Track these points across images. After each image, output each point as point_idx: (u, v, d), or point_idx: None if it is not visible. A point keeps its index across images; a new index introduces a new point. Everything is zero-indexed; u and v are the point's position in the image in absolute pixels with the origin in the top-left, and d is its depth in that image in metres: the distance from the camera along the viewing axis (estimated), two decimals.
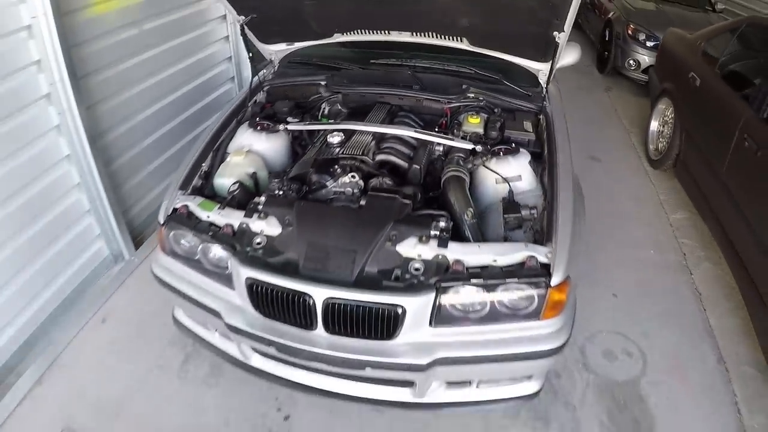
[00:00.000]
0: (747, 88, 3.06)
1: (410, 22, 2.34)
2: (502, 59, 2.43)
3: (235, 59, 3.86)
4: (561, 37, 2.13)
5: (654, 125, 4.16)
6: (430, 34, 2.39)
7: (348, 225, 1.76)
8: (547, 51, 2.26)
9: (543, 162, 2.17)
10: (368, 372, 1.72)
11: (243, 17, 2.41)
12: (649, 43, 5.32)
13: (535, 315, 1.70)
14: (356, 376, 1.82)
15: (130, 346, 2.42)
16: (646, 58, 5.30)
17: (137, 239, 3.01)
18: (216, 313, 1.83)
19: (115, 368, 2.31)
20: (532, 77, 2.50)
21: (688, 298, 2.85)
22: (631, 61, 5.42)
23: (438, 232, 1.72)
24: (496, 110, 2.42)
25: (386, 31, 2.44)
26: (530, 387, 1.92)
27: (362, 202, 1.85)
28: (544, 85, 2.53)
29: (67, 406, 2.14)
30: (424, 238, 1.70)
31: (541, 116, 2.42)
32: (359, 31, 2.47)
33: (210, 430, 2.08)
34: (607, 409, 2.23)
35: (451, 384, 1.87)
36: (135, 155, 3.01)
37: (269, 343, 1.75)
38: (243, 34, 2.47)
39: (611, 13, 6.02)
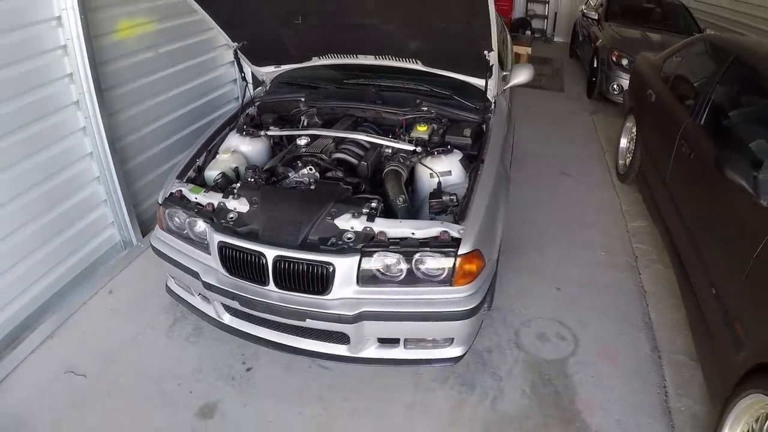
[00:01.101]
0: (689, 99, 3.34)
1: (370, 46, 2.81)
2: (451, 77, 2.86)
3: (239, 81, 4.35)
4: (491, 56, 2.54)
5: (623, 142, 4.49)
6: (389, 56, 2.85)
7: (298, 203, 2.21)
8: (483, 68, 2.66)
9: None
10: (309, 323, 2.13)
11: (236, 43, 2.92)
12: None
13: (448, 281, 2.07)
14: (302, 330, 2.22)
15: (130, 312, 2.88)
16: (627, 83, 5.61)
17: (145, 229, 3.45)
18: (195, 274, 2.29)
19: (115, 329, 2.76)
20: (481, 93, 2.88)
21: (632, 294, 3.09)
22: (615, 86, 5.76)
23: (368, 210, 2.14)
24: (443, 120, 2.83)
25: (354, 55, 2.91)
26: (453, 351, 2.26)
27: (312, 187, 2.29)
28: (491, 99, 2.93)
29: (72, 355, 2.59)
30: (356, 214, 2.12)
31: (483, 125, 2.81)
32: (332, 55, 2.96)
33: (184, 375, 2.50)
34: (531, 381, 2.48)
35: (382, 342, 2.24)
36: (147, 158, 3.52)
37: (234, 296, 2.19)
38: (236, 58, 2.98)
39: (599, 41, 6.41)
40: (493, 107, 2.92)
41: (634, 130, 4.25)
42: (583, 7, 7.96)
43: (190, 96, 3.87)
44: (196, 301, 2.52)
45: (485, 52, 2.52)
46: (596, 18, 6.98)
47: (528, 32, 9.89)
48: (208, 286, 2.25)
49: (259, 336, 2.35)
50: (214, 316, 2.44)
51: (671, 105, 3.53)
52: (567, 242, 3.54)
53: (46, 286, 2.87)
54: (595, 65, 6.41)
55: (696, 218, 2.79)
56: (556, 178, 4.44)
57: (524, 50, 7.17)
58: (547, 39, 10.39)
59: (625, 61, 5.72)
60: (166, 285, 2.69)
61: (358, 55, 2.92)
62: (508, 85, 3.23)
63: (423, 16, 2.46)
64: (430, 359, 2.27)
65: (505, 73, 3.31)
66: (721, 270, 2.34)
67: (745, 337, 1.91)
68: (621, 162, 4.50)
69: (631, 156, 4.22)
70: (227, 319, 2.42)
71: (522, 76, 3.21)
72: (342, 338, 2.21)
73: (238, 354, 2.60)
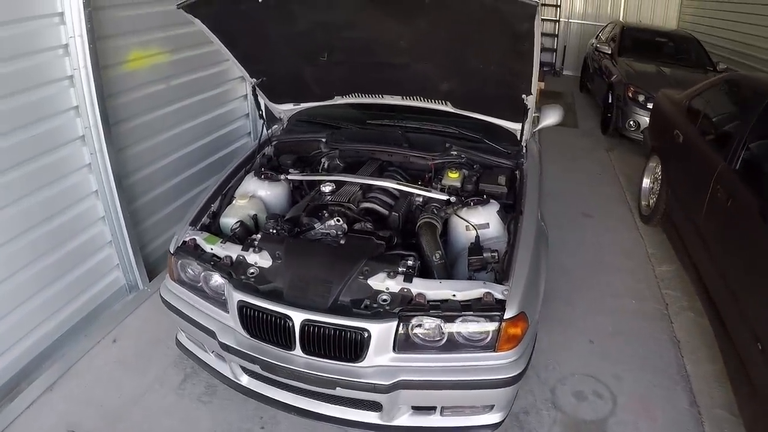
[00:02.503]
0: (722, 141, 3.22)
1: (398, 86, 2.67)
2: (482, 120, 2.72)
3: (252, 116, 4.22)
4: (529, 100, 2.41)
5: (646, 182, 4.36)
6: (417, 97, 2.70)
7: (327, 260, 2.02)
8: (519, 112, 2.52)
9: (514, 212, 2.39)
10: (339, 391, 1.93)
11: (255, 79, 2.77)
12: (649, 105, 5.50)
13: (491, 346, 1.89)
14: (329, 396, 2.02)
15: (136, 364, 2.67)
16: (645, 119, 5.49)
17: (152, 272, 3.28)
18: (212, 333, 2.09)
19: (120, 382, 2.55)
20: (511, 136, 2.75)
21: (665, 344, 2.95)
22: (631, 122, 5.67)
23: (405, 269, 1.96)
24: (475, 166, 2.68)
25: (379, 95, 2.77)
26: (492, 418, 2.07)
27: (342, 242, 2.11)
28: (523, 144, 2.79)
29: (74, 411, 2.39)
30: (392, 274, 1.94)
31: (517, 171, 2.66)
32: (355, 94, 2.81)
33: None
34: None
35: (417, 410, 2.04)
36: (156, 196, 3.34)
37: (255, 360, 1.98)
38: (254, 94, 2.82)
39: (614, 77, 6.33)
40: (525, 152, 2.77)
41: (659, 170, 4.13)
42: (594, 40, 7.94)
43: (202, 130, 3.71)
44: (210, 359, 2.30)
45: (524, 95, 2.39)
46: (609, 52, 6.93)
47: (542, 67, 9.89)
48: (226, 347, 2.04)
49: (281, 401, 2.14)
50: (230, 376, 2.23)
51: (702, 147, 3.41)
52: (595, 289, 3.38)
53: (47, 332, 2.69)
54: (609, 101, 6.33)
55: (736, 268, 2.65)
56: (578, 219, 4.30)
57: (538, 85, 7.10)
58: (556, 72, 10.36)
59: (641, 97, 5.64)
60: (176, 338, 2.48)
61: (384, 95, 2.77)
62: (538, 128, 3.09)
63: (461, 58, 2.32)
64: (469, 427, 2.07)
65: (535, 114, 3.18)
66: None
67: None
68: (644, 203, 4.36)
69: (656, 197, 4.08)
70: (245, 381, 2.21)
71: (552, 117, 3.08)
72: (373, 406, 2.01)
73: (256, 417, 2.38)
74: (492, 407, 2.05)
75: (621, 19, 9.52)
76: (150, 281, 3.22)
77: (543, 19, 10.41)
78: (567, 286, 3.38)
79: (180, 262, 2.23)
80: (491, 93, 2.52)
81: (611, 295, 3.34)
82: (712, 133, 3.48)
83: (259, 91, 2.86)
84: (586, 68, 8.32)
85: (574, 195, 4.72)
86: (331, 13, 2.19)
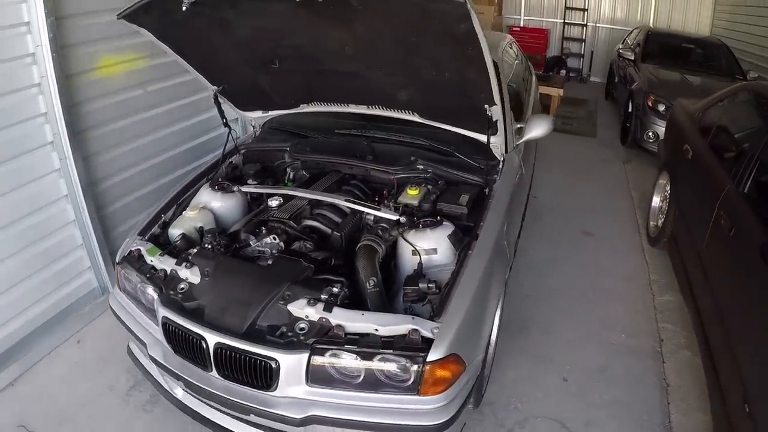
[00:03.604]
0: (732, 159, 2.90)
1: (359, 95, 2.55)
2: (455, 131, 2.55)
3: (240, 123, 4.12)
4: (493, 110, 2.23)
5: (656, 200, 4.05)
6: (382, 107, 2.56)
7: (251, 281, 1.91)
8: (486, 124, 2.33)
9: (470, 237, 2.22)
10: (253, 419, 1.84)
11: (216, 87, 2.69)
12: None
13: (413, 389, 1.73)
14: (249, 421, 1.93)
15: (94, 367, 2.71)
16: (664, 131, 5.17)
17: None
18: (144, 344, 2.07)
19: (75, 384, 2.61)
20: (487, 150, 2.56)
21: (652, 388, 2.66)
22: (650, 133, 5.32)
23: (327, 297, 1.83)
24: (439, 182, 2.51)
25: (343, 104, 2.65)
26: None
27: (269, 262, 1.99)
28: (499, 158, 2.60)
29: (27, 409, 2.46)
30: (312, 301, 1.81)
31: (486, 190, 2.48)
32: (318, 103, 2.70)
33: None
34: None
35: None
36: (130, 202, 3.32)
37: (178, 377, 1.94)
38: (217, 102, 2.74)
39: (634, 84, 5.97)
40: (500, 167, 2.58)
41: (668, 188, 3.81)
42: (620, 46, 7.55)
43: (180, 138, 3.67)
44: (154, 370, 2.24)
45: (486, 106, 2.21)
46: (632, 58, 6.55)
47: (563, 71, 9.49)
48: (154, 361, 2.02)
49: (210, 419, 2.08)
50: (167, 389, 2.20)
51: (710, 165, 3.09)
52: (581, 319, 3.12)
53: (14, 329, 2.75)
54: (630, 109, 5.98)
55: (732, 311, 2.35)
56: (576, 238, 4.03)
57: (556, 92, 6.78)
58: (582, 79, 9.95)
59: (661, 107, 5.28)
60: (128, 346, 2.45)
61: (348, 104, 2.64)
62: (522, 140, 2.89)
63: (410, 65, 2.17)
64: None
65: (519, 126, 2.97)
66: (759, 384, 1.92)
67: None
68: (652, 223, 4.05)
69: (664, 217, 3.78)
70: (180, 394, 2.17)
71: (537, 129, 2.87)
72: None
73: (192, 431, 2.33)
74: None
75: (651, 24, 9.05)
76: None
77: (569, 23, 10.08)
78: (549, 313, 3.15)
79: (123, 271, 2.22)
80: (454, 103, 2.35)
81: (599, 327, 3.07)
82: (722, 148, 3.13)
83: (222, 98, 2.78)
84: (612, 75, 7.92)
85: (579, 210, 4.45)
86: (267, 20, 2.09)
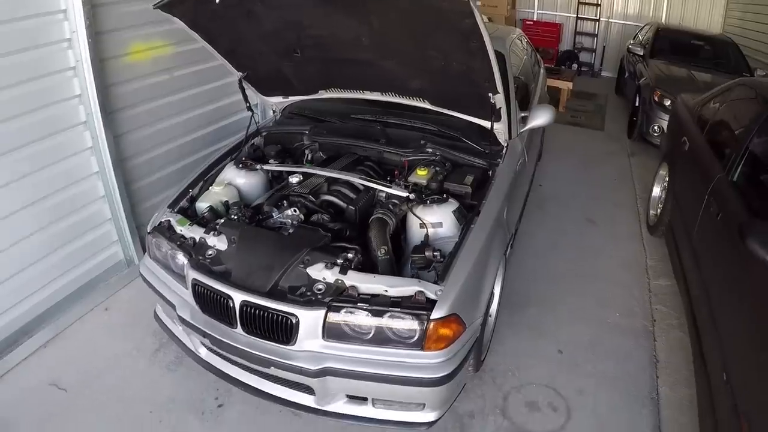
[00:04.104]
0: (724, 150, 3.06)
1: (374, 83, 2.74)
2: (462, 118, 2.73)
3: (259, 107, 4.32)
4: (497, 99, 2.41)
5: (656, 190, 4.20)
6: (395, 94, 2.75)
7: (274, 247, 2.12)
8: (490, 111, 2.51)
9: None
10: (273, 371, 2.04)
11: (241, 73, 2.88)
12: None
13: (418, 345, 1.93)
14: (269, 375, 2.13)
15: (121, 331, 2.91)
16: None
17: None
18: (173, 306, 2.27)
19: (103, 346, 2.81)
20: (492, 136, 2.73)
21: (642, 363, 2.83)
22: (656, 128, 5.44)
23: (342, 261, 2.02)
24: (446, 164, 2.69)
25: (359, 91, 2.84)
26: (425, 416, 2.11)
27: (290, 231, 2.19)
28: (503, 143, 2.78)
29: (59, 368, 2.66)
30: (329, 265, 2.01)
31: (490, 172, 2.66)
32: (336, 89, 2.89)
33: (158, 402, 2.50)
34: None
35: (351, 399, 2.11)
36: (156, 180, 3.53)
37: (204, 335, 2.14)
38: (241, 87, 2.94)
39: (642, 79, 6.09)
40: (504, 152, 2.76)
41: (667, 178, 3.97)
42: (631, 41, 7.65)
43: (204, 120, 3.87)
44: (179, 332, 2.47)
45: (490, 94, 2.39)
46: (642, 54, 6.66)
47: (574, 65, 9.58)
48: (183, 321, 2.22)
49: (231, 375, 2.28)
50: (192, 348, 2.40)
51: (704, 155, 3.25)
52: (579, 299, 3.30)
53: (47, 296, 2.95)
54: (637, 104, 6.10)
55: (716, 287, 2.52)
56: (580, 225, 4.20)
57: (565, 85, 6.91)
58: (594, 73, 10.02)
59: (667, 102, 5.38)
60: (155, 311, 2.67)
61: (364, 91, 2.83)
62: (526, 128, 3.06)
63: (421, 56, 2.35)
64: (401, 422, 2.12)
65: (524, 114, 3.15)
66: (734, 354, 2.09)
67: None
68: (652, 212, 4.21)
69: (662, 206, 3.93)
70: (203, 353, 2.37)
71: (540, 118, 3.05)
72: (308, 389, 2.10)
73: (213, 389, 2.54)
74: (423, 405, 2.08)
75: (664, 20, 9.11)
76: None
77: (582, 18, 10.16)
78: (550, 292, 3.33)
79: (154, 240, 2.43)
80: (461, 91, 2.53)
81: (596, 306, 3.24)
82: (716, 140, 3.31)
83: (246, 84, 2.97)
84: (623, 70, 8.02)
85: (583, 200, 4.60)
86: (291, 12, 2.28)
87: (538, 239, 3.91)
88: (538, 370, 2.73)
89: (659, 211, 4.07)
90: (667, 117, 5.28)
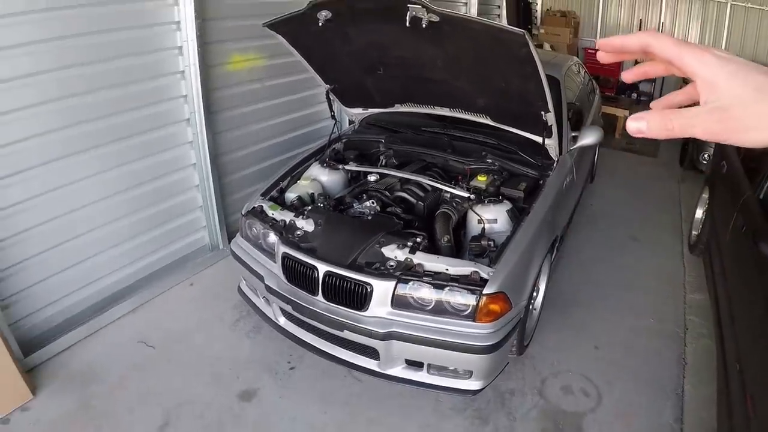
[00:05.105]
0: (756, 170, 3.25)
1: (445, 100, 3.15)
2: (517, 134, 3.09)
3: (338, 116, 4.79)
4: (548, 117, 2.75)
5: (698, 212, 4.38)
6: (461, 110, 3.16)
7: (355, 229, 2.54)
8: (543, 128, 2.86)
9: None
10: (346, 334, 2.41)
11: (328, 86, 3.35)
12: None
13: (471, 316, 2.28)
14: (342, 341, 2.51)
15: (204, 303, 3.34)
16: None
17: (232, 236, 3.83)
18: (260, 277, 2.67)
19: (188, 314, 3.24)
20: (545, 151, 3.06)
21: (671, 363, 3.04)
22: (705, 155, 5.56)
23: (411, 244, 2.41)
24: (503, 173, 3.06)
25: (431, 106, 3.26)
26: (472, 384, 2.44)
27: (369, 218, 2.60)
28: (554, 158, 3.11)
29: (148, 329, 3.09)
30: (401, 246, 2.40)
31: (541, 182, 3.00)
32: (411, 104, 3.33)
33: (237, 362, 2.90)
34: (543, 428, 2.54)
35: (409, 364, 2.46)
36: (243, 176, 4.02)
37: (288, 301, 2.53)
38: (328, 98, 3.41)
39: None
40: (554, 165, 3.10)
41: (708, 202, 4.17)
42: None
43: (289, 126, 4.37)
44: (260, 303, 2.89)
45: (542, 113, 2.74)
46: None
47: (634, 94, 9.72)
48: (269, 289, 2.62)
49: (306, 341, 2.67)
50: (271, 317, 2.80)
51: (738, 176, 3.47)
52: (618, 305, 3.55)
53: (139, 268, 3.41)
54: None
55: (736, 290, 2.76)
56: (624, 241, 4.44)
57: (622, 113, 7.17)
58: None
59: None
60: (239, 286, 3.10)
61: (434, 106, 3.25)
62: (576, 146, 3.38)
63: (485, 77, 2.75)
64: (450, 387, 2.45)
65: (574, 134, 3.47)
66: (745, 344, 2.34)
67: (754, 419, 1.92)
68: (694, 233, 4.39)
69: (702, 227, 4.14)
70: (282, 321, 2.77)
71: (589, 138, 3.36)
72: (374, 353, 2.46)
73: (287, 354, 2.93)
74: (471, 374, 2.41)
75: (723, 48, 9.14)
76: (229, 243, 3.84)
77: None
78: (592, 297, 3.60)
79: (248, 221, 2.85)
80: (518, 110, 2.89)
81: (634, 312, 3.48)
82: (750, 162, 3.50)
83: (332, 96, 3.44)
84: None
85: (629, 220, 4.83)
86: (379, 36, 2.71)
87: (585, 252, 4.18)
88: (575, 361, 3.00)
89: (699, 230, 4.26)
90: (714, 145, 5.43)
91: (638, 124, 0.54)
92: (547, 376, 2.89)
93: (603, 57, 0.63)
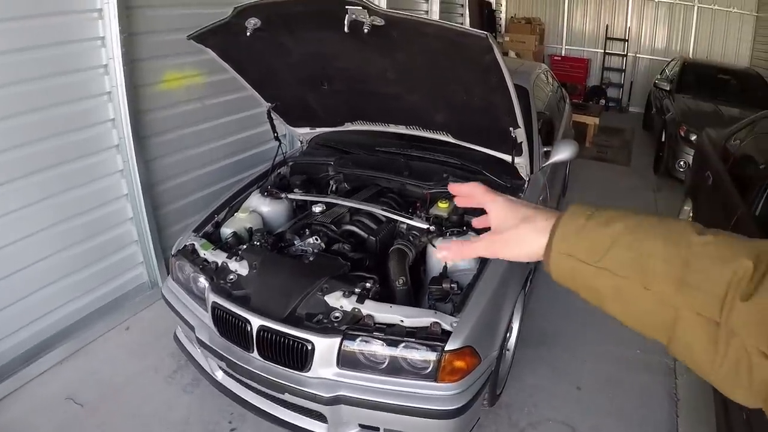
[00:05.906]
0: (748, 185, 3.04)
1: (400, 116, 2.78)
2: (483, 152, 2.76)
3: (287, 137, 4.41)
4: (518, 133, 2.43)
5: None
6: (419, 127, 2.80)
7: (294, 274, 2.16)
8: (512, 146, 2.53)
9: None
10: (287, 397, 2.05)
11: (269, 104, 2.98)
12: None
13: (432, 376, 1.93)
14: (282, 401, 2.15)
15: (140, 351, 2.97)
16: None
17: None
18: (192, 327, 2.31)
19: (122, 365, 2.87)
20: (514, 169, 2.75)
21: (662, 401, 2.77)
22: (682, 163, 5.39)
23: (360, 290, 2.05)
24: None
25: (385, 123, 2.90)
26: None
27: (311, 259, 2.23)
28: (525, 177, 2.80)
29: (77, 383, 2.73)
30: (347, 293, 2.04)
31: None
32: (362, 122, 2.96)
33: (173, 422, 2.54)
34: None
35: (363, 428, 2.10)
36: (184, 205, 3.63)
37: (221, 358, 2.17)
38: (269, 118, 3.02)
39: (668, 114, 6.07)
40: (525, 186, 2.78)
41: (692, 215, 3.92)
42: (658, 76, 7.64)
43: (233, 149, 3.99)
44: (197, 354, 2.51)
45: (511, 128, 2.42)
46: (668, 89, 6.64)
47: (602, 101, 9.57)
48: (201, 343, 2.26)
49: (246, 399, 2.31)
50: (209, 371, 2.44)
51: (727, 190, 3.23)
52: (601, 336, 3.22)
53: (74, 310, 3.05)
54: (663, 139, 6.06)
55: None
56: None
57: (592, 120, 6.91)
58: (621, 108, 9.98)
59: (693, 137, 5.33)
60: (175, 333, 2.71)
61: (389, 124, 2.89)
62: (548, 162, 3.07)
63: (444, 90, 2.41)
64: None
65: (547, 149, 3.16)
66: None
67: None
68: None
69: None
70: (220, 376, 2.40)
71: (563, 153, 3.06)
72: (320, 416, 2.11)
73: (227, 412, 2.57)
74: None
75: (691, 55, 9.09)
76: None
77: (610, 53, 10.18)
78: (568, 328, 3.29)
79: (177, 263, 2.48)
80: (483, 125, 2.56)
81: (617, 343, 3.16)
82: (739, 174, 3.28)
83: (275, 115, 3.06)
84: (650, 106, 7.99)
85: None
86: (318, 45, 2.35)
87: None
88: (556, 406, 2.68)
89: None
90: (692, 152, 5.22)
91: (442, 253, 0.80)
92: (524, 428, 2.55)
93: (458, 201, 0.84)
